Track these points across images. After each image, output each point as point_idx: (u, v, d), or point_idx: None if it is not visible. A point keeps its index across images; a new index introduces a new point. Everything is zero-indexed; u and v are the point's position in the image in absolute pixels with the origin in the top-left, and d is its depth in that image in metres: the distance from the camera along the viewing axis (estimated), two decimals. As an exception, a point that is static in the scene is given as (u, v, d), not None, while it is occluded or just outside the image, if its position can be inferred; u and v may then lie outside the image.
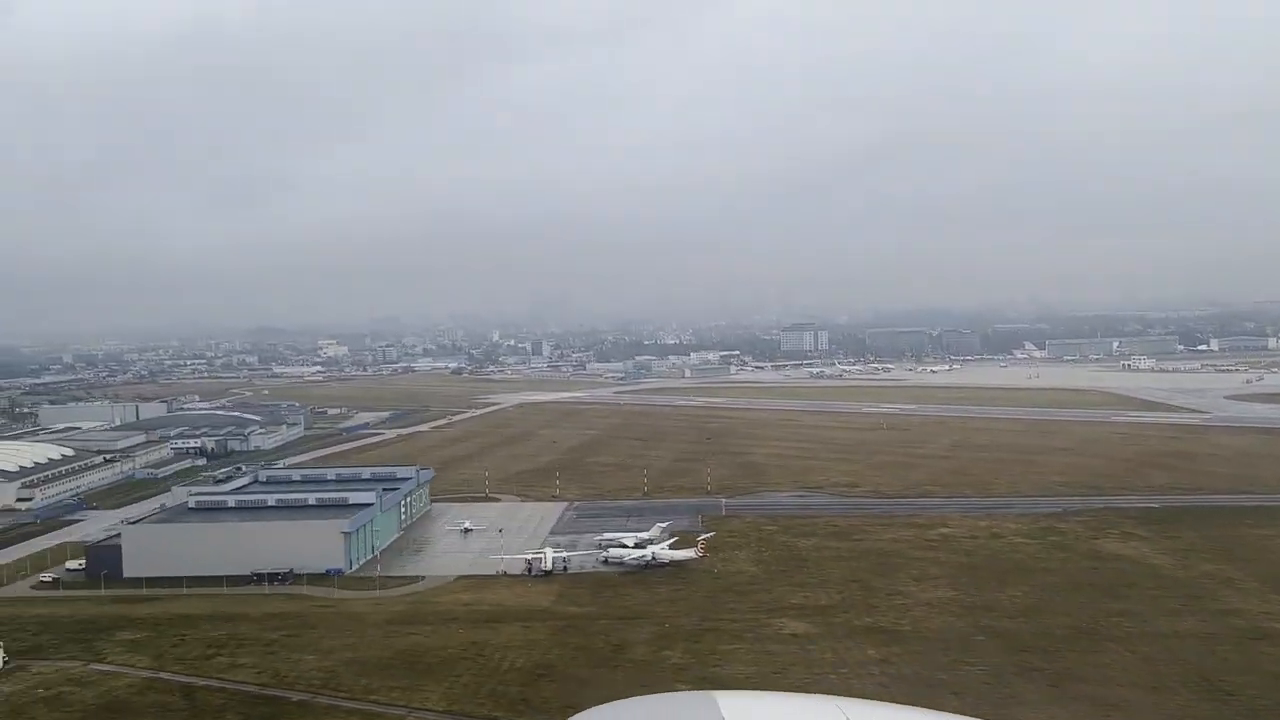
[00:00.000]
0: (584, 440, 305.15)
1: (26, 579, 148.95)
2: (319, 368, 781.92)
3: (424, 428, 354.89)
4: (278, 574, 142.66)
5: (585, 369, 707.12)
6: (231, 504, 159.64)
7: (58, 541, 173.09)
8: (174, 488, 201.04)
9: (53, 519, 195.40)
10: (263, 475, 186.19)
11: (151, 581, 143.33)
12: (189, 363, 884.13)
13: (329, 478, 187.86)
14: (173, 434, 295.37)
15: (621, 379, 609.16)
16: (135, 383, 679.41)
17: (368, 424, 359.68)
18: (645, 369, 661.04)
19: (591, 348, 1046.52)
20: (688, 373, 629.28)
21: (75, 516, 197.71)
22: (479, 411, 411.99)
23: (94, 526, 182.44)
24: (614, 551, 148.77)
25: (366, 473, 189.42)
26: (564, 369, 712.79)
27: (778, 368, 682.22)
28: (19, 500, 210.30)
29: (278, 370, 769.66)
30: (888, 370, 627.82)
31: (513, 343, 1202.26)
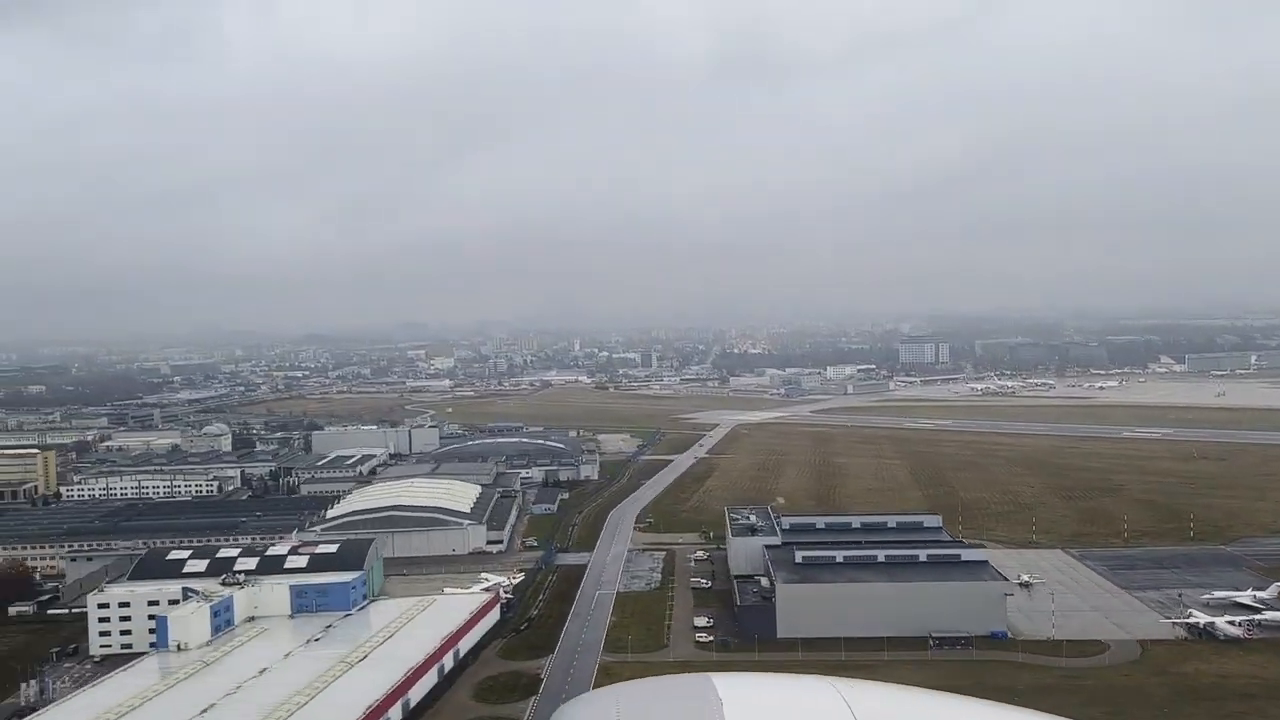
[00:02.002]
0: (915, 474, 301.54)
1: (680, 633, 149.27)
2: (447, 382, 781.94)
3: (702, 453, 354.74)
4: (958, 638, 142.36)
5: (730, 383, 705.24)
6: (840, 560, 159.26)
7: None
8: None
9: (550, 563, 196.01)
10: (785, 523, 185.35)
11: (806, 643, 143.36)
12: (307, 376, 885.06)
13: (855, 525, 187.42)
14: (508, 466, 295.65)
15: (783, 395, 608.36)
16: (278, 399, 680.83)
17: (639, 453, 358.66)
18: (795, 383, 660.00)
19: (673, 356, 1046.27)
20: (850, 388, 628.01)
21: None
22: (717, 436, 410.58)
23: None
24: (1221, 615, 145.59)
25: (892, 521, 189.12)
26: (710, 382, 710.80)
27: (927, 383, 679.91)
28: (489, 543, 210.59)
29: (411, 384, 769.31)
30: (1049, 386, 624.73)
31: (598, 351, 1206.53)
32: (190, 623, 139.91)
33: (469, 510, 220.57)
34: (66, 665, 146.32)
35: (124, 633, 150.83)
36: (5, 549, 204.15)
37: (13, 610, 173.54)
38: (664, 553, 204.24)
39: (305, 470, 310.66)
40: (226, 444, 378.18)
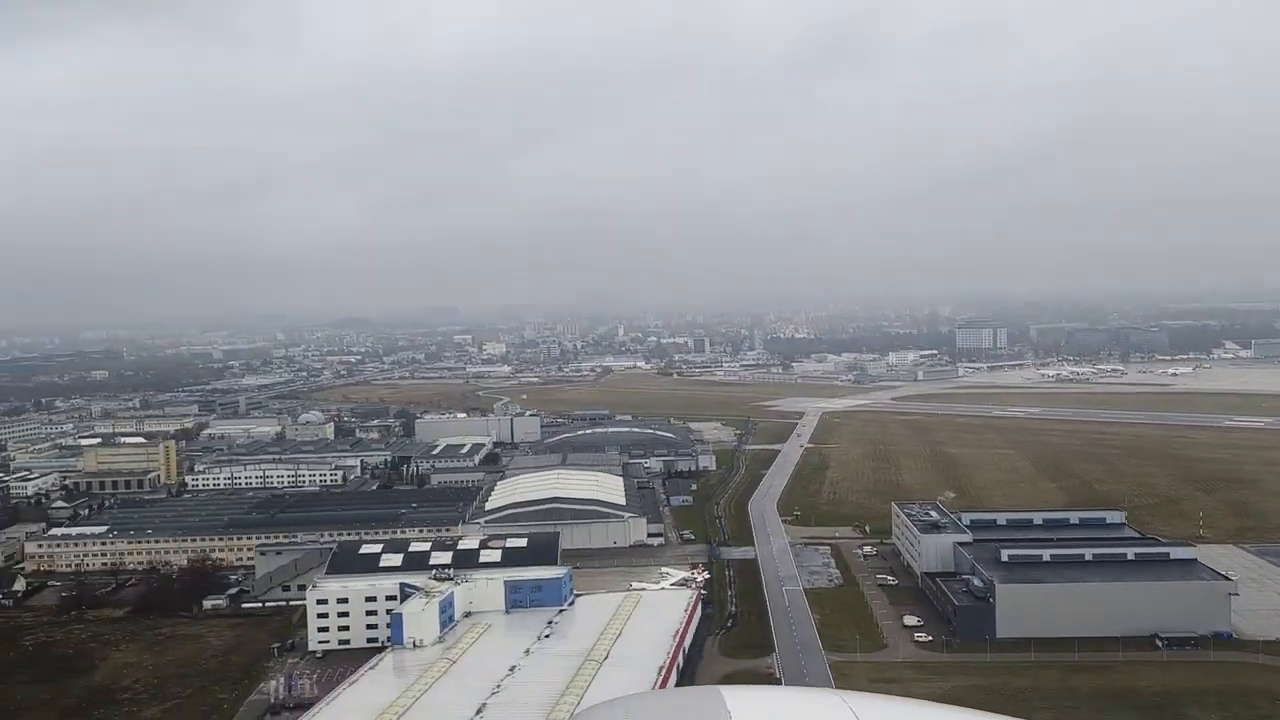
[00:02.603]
0: (1036, 465, 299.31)
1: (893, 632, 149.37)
2: (506, 368, 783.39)
3: (804, 443, 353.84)
4: (1188, 638, 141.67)
5: (792, 369, 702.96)
6: (1047, 558, 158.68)
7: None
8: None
9: (717, 557, 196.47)
10: (965, 519, 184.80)
11: (1027, 643, 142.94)
12: (360, 361, 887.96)
13: (1036, 521, 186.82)
14: (628, 457, 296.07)
15: (853, 381, 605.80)
16: (346, 385, 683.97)
17: (742, 443, 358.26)
18: (861, 370, 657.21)
19: (722, 342, 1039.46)
20: (920, 375, 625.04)
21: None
22: (810, 424, 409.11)
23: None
24: None
25: (1075, 517, 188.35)
26: (773, 369, 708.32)
27: (994, 369, 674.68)
28: (649, 536, 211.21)
29: (471, 370, 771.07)
30: (1120, 373, 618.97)
31: (644, 336, 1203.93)
32: (423, 619, 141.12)
33: (624, 502, 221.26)
34: (291, 661, 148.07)
35: (342, 628, 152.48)
36: (189, 540, 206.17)
37: (207, 604, 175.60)
38: (827, 547, 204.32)
39: (423, 459, 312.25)
40: (329, 432, 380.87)
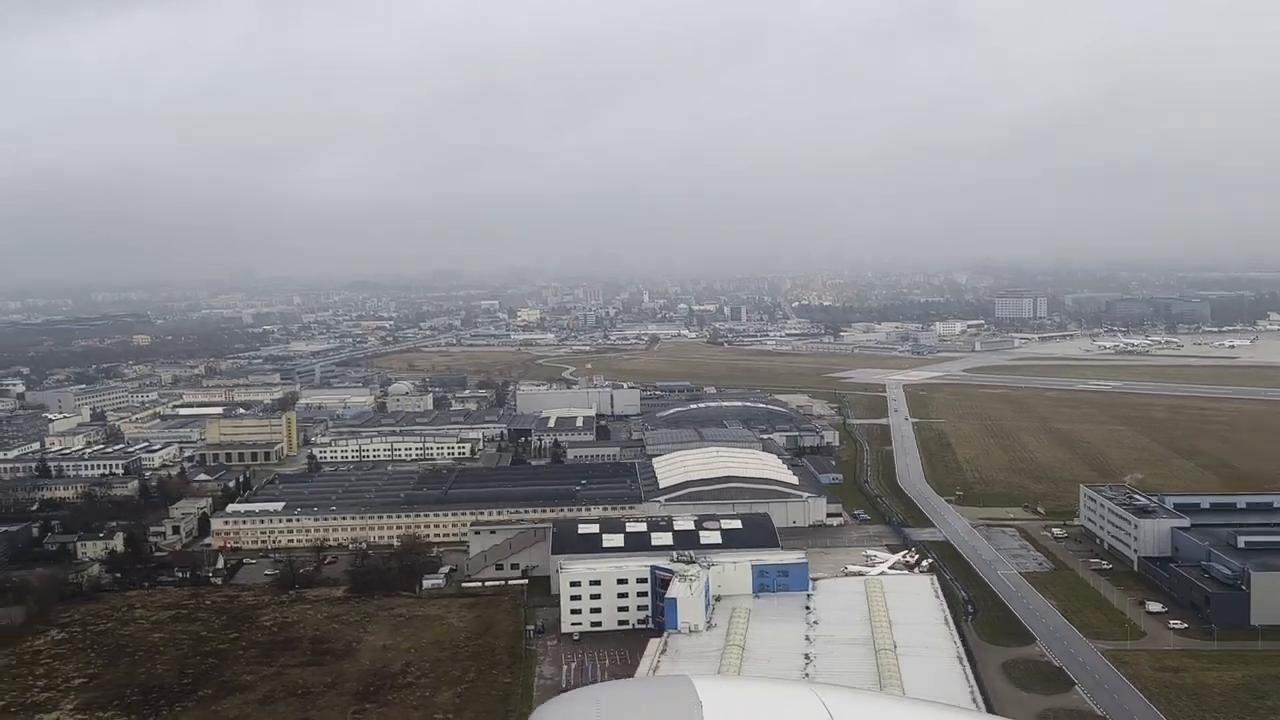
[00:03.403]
0: (1162, 443, 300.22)
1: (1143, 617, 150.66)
2: (551, 336, 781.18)
3: (908, 417, 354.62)
4: None
5: (842, 338, 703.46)
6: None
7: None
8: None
9: (907, 539, 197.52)
10: (1169, 502, 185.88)
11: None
12: (396, 327, 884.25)
13: (1240, 505, 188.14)
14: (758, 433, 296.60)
15: (911, 352, 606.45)
16: (395, 352, 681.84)
17: (844, 418, 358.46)
18: (915, 339, 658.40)
19: (756, 310, 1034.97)
20: (978, 345, 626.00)
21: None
22: (898, 398, 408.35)
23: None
24: None
25: (1277, 500, 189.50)
26: (824, 338, 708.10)
27: (1045, 339, 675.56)
28: (829, 516, 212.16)
29: (518, 338, 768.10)
30: (1177, 345, 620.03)
31: (670, 301, 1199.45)
32: (693, 605, 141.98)
33: (795, 481, 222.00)
34: (550, 643, 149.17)
35: (594, 610, 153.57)
36: (392, 517, 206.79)
37: (427, 584, 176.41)
38: (1012, 530, 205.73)
39: (541, 432, 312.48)
40: (428, 403, 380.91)
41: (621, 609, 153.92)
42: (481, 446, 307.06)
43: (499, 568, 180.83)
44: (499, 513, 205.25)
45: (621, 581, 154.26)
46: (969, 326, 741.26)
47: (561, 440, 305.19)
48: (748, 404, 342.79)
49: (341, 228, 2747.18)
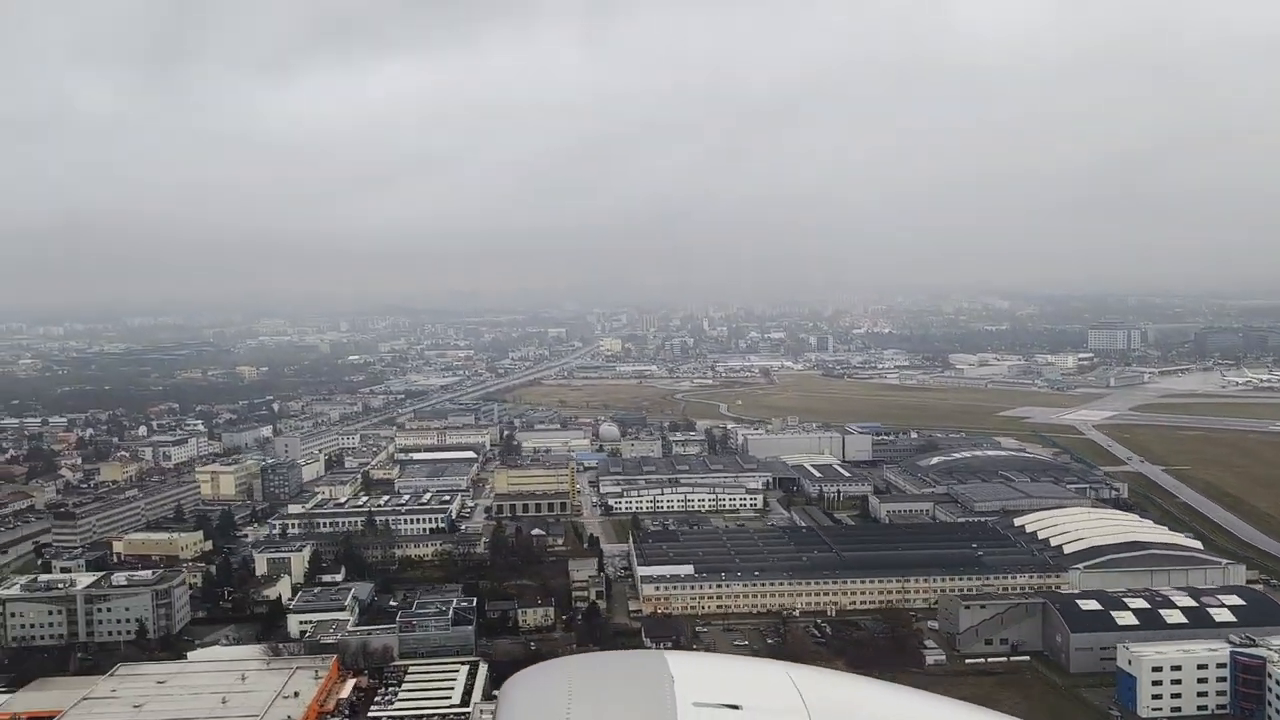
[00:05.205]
0: None
1: None
2: (653, 367, 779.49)
3: (1153, 467, 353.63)
4: None
5: (961, 370, 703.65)
6: None
7: None
8: None
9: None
10: None
11: None
12: (476, 356, 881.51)
13: None
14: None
15: (1048, 385, 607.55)
16: (519, 387, 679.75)
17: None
18: (1037, 373, 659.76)
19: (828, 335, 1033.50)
20: (1112, 381, 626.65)
21: None
22: (1108, 442, 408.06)
23: None
24: None
25: None
26: (944, 371, 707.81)
27: (1165, 374, 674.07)
28: (1248, 584, 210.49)
29: (626, 368, 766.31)
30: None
31: (714, 330, 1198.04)
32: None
33: (1199, 545, 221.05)
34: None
35: (1174, 695, 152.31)
36: (820, 583, 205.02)
37: (930, 659, 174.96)
38: None
39: (809, 483, 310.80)
40: (654, 449, 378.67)
41: (1200, 694, 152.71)
42: (761, 499, 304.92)
43: (988, 643, 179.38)
44: (911, 579, 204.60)
45: (1201, 667, 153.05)
46: (1080, 359, 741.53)
47: (838, 491, 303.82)
48: (1011, 453, 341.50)
49: (350, 249, 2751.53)
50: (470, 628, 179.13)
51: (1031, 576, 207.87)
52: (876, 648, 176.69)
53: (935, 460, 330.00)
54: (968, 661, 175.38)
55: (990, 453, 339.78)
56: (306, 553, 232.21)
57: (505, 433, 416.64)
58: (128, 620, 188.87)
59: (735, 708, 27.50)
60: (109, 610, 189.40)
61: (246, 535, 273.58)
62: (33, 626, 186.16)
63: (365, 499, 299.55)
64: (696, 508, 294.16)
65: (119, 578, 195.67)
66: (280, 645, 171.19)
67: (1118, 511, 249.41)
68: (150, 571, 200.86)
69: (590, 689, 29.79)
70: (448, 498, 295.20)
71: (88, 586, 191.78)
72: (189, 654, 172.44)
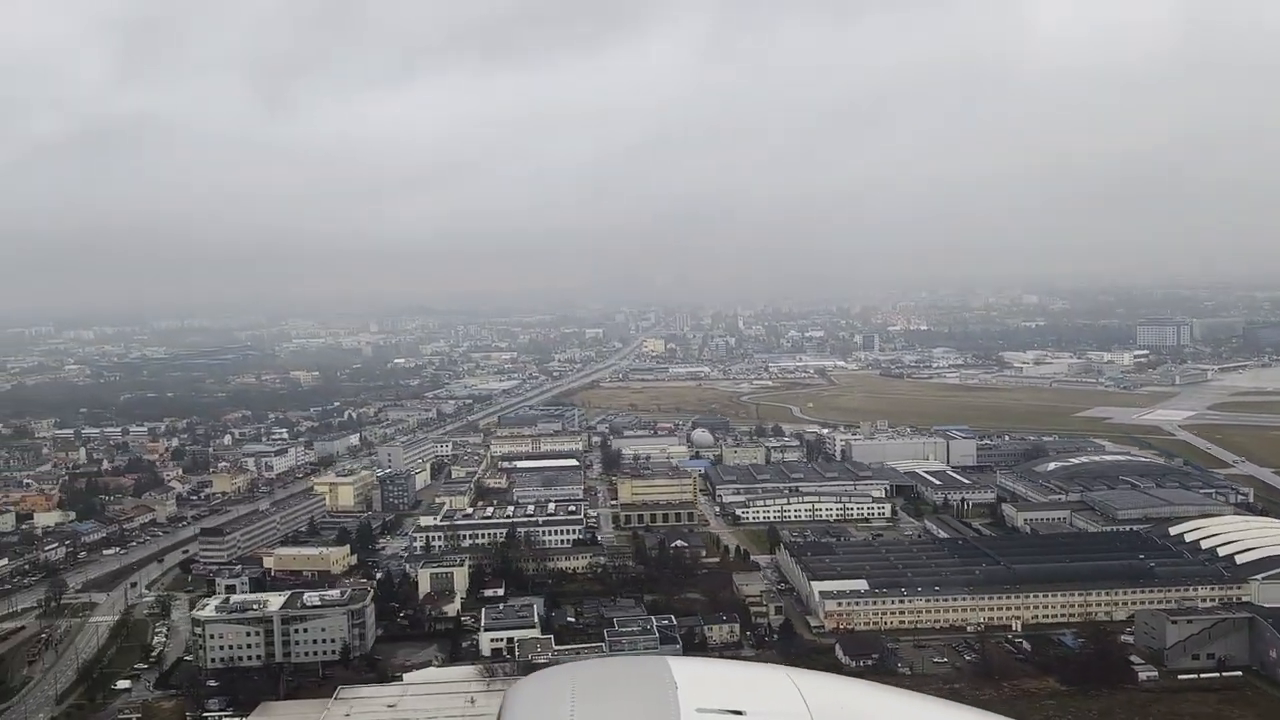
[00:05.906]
0: None
1: None
2: (706, 368, 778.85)
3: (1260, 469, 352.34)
4: None
5: (1019, 368, 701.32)
6: None
7: None
8: None
9: None
10: None
11: None
12: (540, 360, 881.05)
13: None
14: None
15: (1112, 385, 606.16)
16: (577, 388, 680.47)
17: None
18: (1098, 372, 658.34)
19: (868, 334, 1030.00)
20: (1177, 379, 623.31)
21: None
22: (1198, 443, 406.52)
23: None
24: None
25: None
26: (996, 370, 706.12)
27: (1225, 370, 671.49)
28: None
29: (681, 370, 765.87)
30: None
31: (750, 329, 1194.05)
32: None
33: None
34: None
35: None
36: (997, 598, 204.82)
37: (1143, 675, 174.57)
38: None
39: (929, 490, 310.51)
40: (757, 456, 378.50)
41: None
42: (885, 506, 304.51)
43: (1195, 658, 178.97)
44: (1094, 594, 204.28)
45: None
46: (1136, 357, 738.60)
47: (963, 499, 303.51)
48: (1129, 457, 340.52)
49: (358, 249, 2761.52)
50: (678, 645, 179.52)
51: (1212, 588, 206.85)
52: (1083, 664, 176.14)
53: (1052, 466, 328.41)
54: (1180, 678, 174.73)
55: (1106, 457, 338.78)
56: (467, 567, 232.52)
57: (598, 439, 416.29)
58: (324, 640, 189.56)
59: (739, 714, 27.89)
60: (305, 631, 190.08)
61: (384, 548, 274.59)
62: (233, 648, 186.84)
63: (490, 510, 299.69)
64: (824, 517, 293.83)
65: (311, 598, 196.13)
66: (495, 666, 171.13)
67: (1273, 519, 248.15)
68: (339, 591, 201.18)
69: (593, 695, 30.33)
70: (573, 508, 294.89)
71: (283, 607, 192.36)
72: (404, 676, 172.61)
